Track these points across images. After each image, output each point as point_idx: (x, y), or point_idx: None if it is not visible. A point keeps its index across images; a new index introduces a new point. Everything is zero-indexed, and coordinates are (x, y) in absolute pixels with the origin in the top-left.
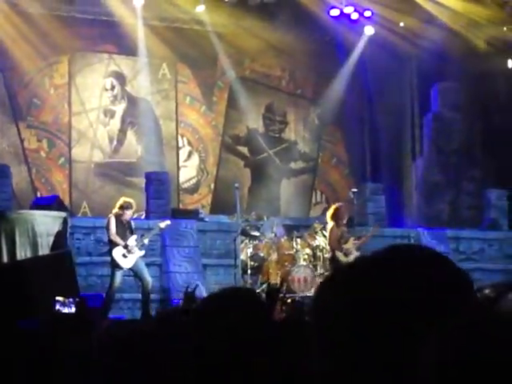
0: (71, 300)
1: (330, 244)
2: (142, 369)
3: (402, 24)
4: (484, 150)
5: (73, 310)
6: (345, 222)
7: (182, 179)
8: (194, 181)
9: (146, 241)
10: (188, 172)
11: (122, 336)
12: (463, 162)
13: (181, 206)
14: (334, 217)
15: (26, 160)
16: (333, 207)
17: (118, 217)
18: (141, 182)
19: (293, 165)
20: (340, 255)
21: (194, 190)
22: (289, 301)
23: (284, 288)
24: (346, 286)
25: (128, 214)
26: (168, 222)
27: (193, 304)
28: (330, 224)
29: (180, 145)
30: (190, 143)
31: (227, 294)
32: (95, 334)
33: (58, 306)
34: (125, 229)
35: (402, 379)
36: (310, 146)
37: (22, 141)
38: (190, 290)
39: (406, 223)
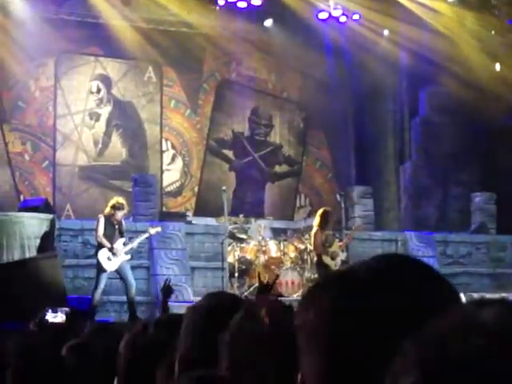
0: (61, 309)
1: (314, 249)
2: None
3: (387, 30)
4: (472, 153)
5: (63, 319)
6: (331, 226)
7: (165, 183)
8: (177, 184)
9: (134, 245)
10: (171, 175)
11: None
12: (451, 165)
13: (164, 209)
14: (320, 221)
15: (10, 163)
16: (319, 212)
17: (108, 217)
18: (124, 185)
19: (277, 168)
20: (327, 259)
21: (177, 193)
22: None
23: (276, 285)
24: (335, 296)
25: (119, 214)
26: (159, 228)
27: (169, 296)
28: (315, 228)
29: (164, 148)
30: (173, 147)
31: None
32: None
33: (47, 316)
34: (114, 230)
35: None
36: (294, 150)
37: (5, 144)
38: (167, 283)
39: (393, 227)
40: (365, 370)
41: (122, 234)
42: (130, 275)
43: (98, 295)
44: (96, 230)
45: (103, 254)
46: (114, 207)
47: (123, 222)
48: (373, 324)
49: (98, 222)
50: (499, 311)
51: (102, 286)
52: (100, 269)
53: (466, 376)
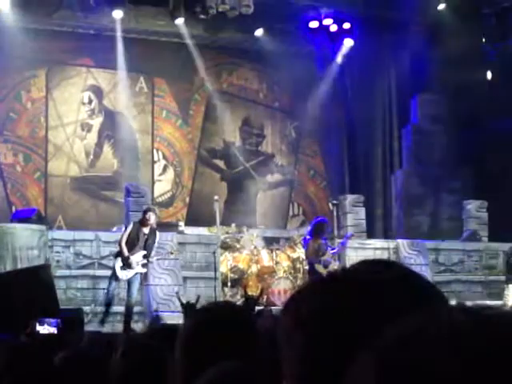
0: (53, 320)
1: (307, 257)
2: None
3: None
4: (463, 161)
5: (54, 330)
6: (325, 236)
7: (156, 193)
8: (168, 195)
9: (152, 261)
10: (163, 186)
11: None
12: (443, 173)
13: None
14: (314, 231)
15: (2, 174)
16: (314, 223)
17: (139, 224)
18: (116, 195)
19: (269, 177)
20: (319, 267)
21: (168, 203)
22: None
23: (263, 298)
24: (312, 301)
25: (152, 217)
26: (177, 252)
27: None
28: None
29: (155, 159)
30: (165, 157)
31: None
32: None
33: (38, 327)
34: (137, 241)
35: None
36: (287, 159)
37: None
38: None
39: (385, 235)
40: (341, 374)
41: (145, 247)
42: (134, 286)
43: (108, 299)
44: (122, 234)
45: (118, 263)
46: (145, 212)
47: (157, 234)
48: (349, 328)
49: (126, 227)
50: (462, 313)
51: (110, 290)
52: (113, 274)
53: (424, 379)
